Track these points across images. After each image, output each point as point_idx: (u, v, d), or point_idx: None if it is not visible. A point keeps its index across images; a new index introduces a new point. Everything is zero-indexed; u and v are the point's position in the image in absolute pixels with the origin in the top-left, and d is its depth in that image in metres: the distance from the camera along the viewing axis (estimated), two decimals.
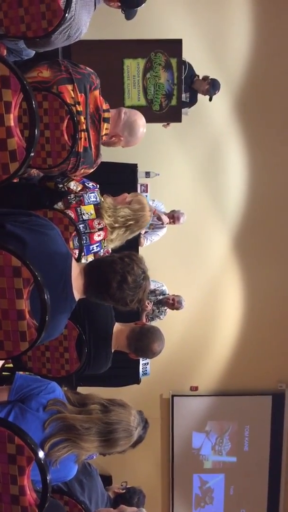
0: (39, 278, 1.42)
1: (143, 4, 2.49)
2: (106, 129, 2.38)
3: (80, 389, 2.99)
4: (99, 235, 2.48)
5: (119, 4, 2.41)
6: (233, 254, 6.25)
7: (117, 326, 2.57)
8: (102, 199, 2.53)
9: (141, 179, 4.82)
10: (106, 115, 2.33)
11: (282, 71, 5.82)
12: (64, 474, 1.76)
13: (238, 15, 5.70)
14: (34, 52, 2.52)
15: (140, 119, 2.42)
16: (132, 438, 1.83)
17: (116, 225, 2.48)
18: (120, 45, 4.30)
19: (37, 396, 1.66)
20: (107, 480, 5.64)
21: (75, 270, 1.72)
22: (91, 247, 2.47)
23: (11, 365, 2.76)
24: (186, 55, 4.52)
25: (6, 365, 2.82)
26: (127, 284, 1.71)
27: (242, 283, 6.32)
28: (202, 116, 5.61)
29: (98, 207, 2.48)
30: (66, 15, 2.03)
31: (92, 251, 2.49)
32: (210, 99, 4.94)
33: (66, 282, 1.67)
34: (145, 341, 2.50)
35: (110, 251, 2.59)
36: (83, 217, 2.42)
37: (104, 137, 2.41)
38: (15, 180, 2.64)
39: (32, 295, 1.46)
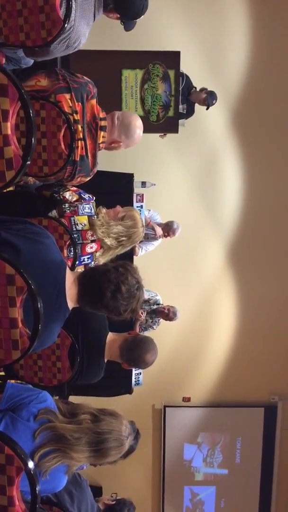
0: (32, 287, 1.42)
1: (142, 16, 2.51)
2: (103, 137, 2.39)
3: (72, 399, 2.98)
4: (91, 247, 2.47)
5: (118, 15, 2.43)
6: (227, 266, 6.26)
7: (110, 336, 2.56)
8: (97, 211, 2.53)
9: (137, 189, 4.83)
10: (103, 123, 2.34)
11: (279, 83, 5.88)
12: (53, 485, 1.73)
13: (236, 28, 5.77)
14: (32, 60, 2.54)
15: (135, 120, 2.43)
16: (123, 448, 1.81)
17: (109, 241, 2.48)
18: (118, 55, 4.33)
19: (28, 406, 1.64)
20: (97, 491, 5.59)
21: (69, 279, 1.71)
22: (82, 258, 2.46)
23: (2, 373, 2.74)
24: (184, 67, 4.56)
25: None
26: (121, 294, 1.71)
27: (235, 294, 6.32)
28: (199, 128, 5.65)
29: (92, 219, 2.49)
30: (66, 25, 2.05)
31: (83, 263, 2.48)
32: (207, 108, 4.97)
33: (60, 291, 1.66)
34: (138, 352, 2.49)
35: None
36: (77, 227, 2.42)
37: (101, 145, 2.42)
38: (11, 188, 2.65)
39: (26, 303, 1.46)
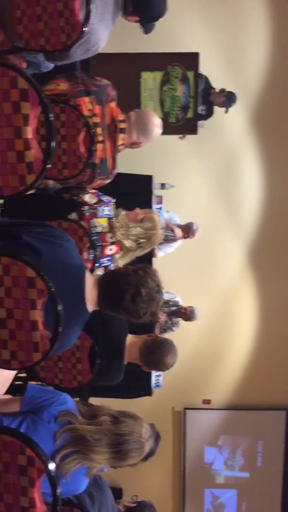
0: (53, 289, 1.43)
1: (161, 18, 2.51)
2: (122, 139, 2.39)
3: (92, 400, 2.99)
4: (110, 250, 2.48)
5: (138, 18, 2.43)
6: (247, 267, 6.21)
7: (129, 338, 2.56)
8: (116, 214, 2.53)
9: (156, 191, 4.83)
10: (122, 126, 2.35)
11: None
12: (74, 487, 1.74)
13: (255, 27, 5.73)
14: (52, 64, 2.56)
15: (153, 119, 2.42)
16: (144, 450, 1.81)
17: (128, 243, 2.49)
18: (137, 58, 4.35)
19: (49, 408, 1.65)
20: (117, 493, 5.60)
21: (89, 282, 1.72)
22: (101, 260, 2.47)
23: (24, 375, 2.77)
24: (203, 68, 4.55)
25: (19, 375, 2.83)
26: (140, 297, 1.71)
27: (256, 296, 6.27)
28: (218, 129, 5.62)
29: (111, 221, 2.49)
30: (85, 29, 2.06)
31: (102, 265, 2.49)
32: (226, 111, 4.95)
33: (80, 293, 1.67)
34: (158, 354, 2.49)
35: (121, 266, 2.60)
36: (96, 229, 2.43)
37: (120, 148, 2.43)
38: (31, 191, 2.68)
39: (46, 306, 1.47)
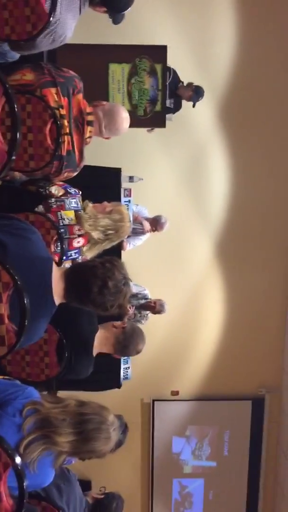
0: (18, 282, 1.42)
1: (129, 8, 2.49)
2: (90, 132, 2.38)
3: (61, 394, 2.98)
4: (78, 242, 2.47)
5: (105, 9, 2.41)
6: (215, 259, 6.28)
7: (101, 332, 2.56)
8: (83, 206, 2.53)
9: (125, 184, 4.82)
10: (89, 118, 2.33)
11: (266, 78, 5.89)
12: (41, 480, 1.74)
13: (223, 22, 5.76)
14: (18, 55, 2.51)
15: (121, 112, 2.42)
16: (109, 436, 1.80)
17: (96, 234, 2.49)
18: (105, 49, 4.31)
19: (14, 401, 1.64)
20: (86, 485, 5.61)
21: (56, 275, 1.71)
22: (69, 253, 2.46)
23: None
24: (171, 62, 4.55)
25: None
26: (107, 289, 1.71)
27: (223, 288, 6.35)
28: (186, 122, 5.64)
29: (78, 213, 2.48)
30: (51, 18, 2.03)
31: (70, 257, 2.48)
32: (194, 106, 4.98)
33: (47, 286, 1.66)
34: (131, 347, 2.54)
35: (89, 258, 2.59)
36: (64, 221, 2.42)
37: (88, 140, 2.41)
38: None
39: (12, 299, 1.45)
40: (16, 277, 1.41)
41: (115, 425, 1.83)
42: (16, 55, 2.54)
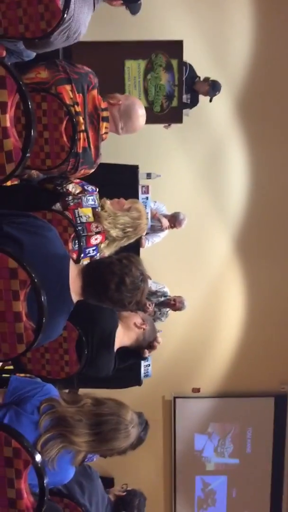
0: (35, 280, 1.41)
1: None
2: (105, 128, 2.37)
3: (82, 391, 2.99)
4: (96, 239, 2.47)
5: (121, 1, 2.39)
6: (234, 256, 6.23)
7: (120, 330, 2.56)
8: (101, 204, 2.52)
9: (142, 181, 4.80)
10: (104, 114, 2.31)
11: (284, 71, 5.81)
12: (60, 477, 1.74)
13: (239, 16, 5.69)
14: (34, 53, 2.52)
15: (138, 109, 2.39)
16: (128, 434, 1.80)
17: (115, 231, 2.48)
18: (121, 46, 4.30)
19: (32, 399, 1.64)
20: (109, 482, 5.63)
21: (73, 272, 1.70)
22: (87, 250, 2.46)
23: (11, 367, 2.76)
24: (187, 57, 4.52)
25: (6, 367, 2.82)
26: (125, 286, 1.70)
27: (243, 284, 6.30)
28: (203, 117, 5.60)
29: (96, 211, 2.48)
30: (65, 15, 2.02)
31: (88, 255, 2.48)
32: (210, 100, 4.94)
33: (64, 283, 1.66)
34: (146, 345, 2.53)
35: (107, 255, 2.59)
36: (81, 219, 2.41)
37: (104, 136, 2.40)
38: (15, 181, 2.65)
39: (30, 297, 1.45)
40: (33, 275, 1.41)
41: (134, 423, 1.81)
42: (32, 54, 2.55)
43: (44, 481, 1.40)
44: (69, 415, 1.64)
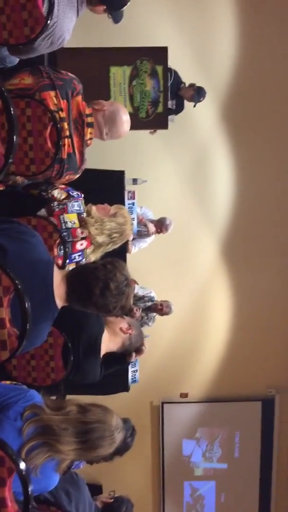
0: (19, 286, 1.41)
1: (128, 3, 2.47)
2: (90, 133, 2.37)
3: (68, 398, 2.97)
4: (81, 244, 2.47)
5: (104, 7, 2.39)
6: (221, 260, 6.26)
7: (106, 335, 2.55)
8: (87, 210, 2.53)
9: (128, 186, 4.82)
10: (89, 120, 2.32)
11: (268, 77, 5.87)
12: (45, 484, 1.72)
13: (224, 22, 5.75)
14: (18, 59, 2.51)
15: (122, 115, 2.40)
16: (113, 440, 1.78)
17: (101, 237, 2.49)
18: (106, 52, 4.30)
19: (15, 405, 1.62)
20: (97, 489, 5.59)
21: (57, 278, 1.70)
22: (73, 255, 2.46)
23: None
24: (172, 63, 4.54)
25: None
26: (109, 291, 1.70)
27: (230, 289, 6.33)
28: (189, 123, 5.63)
29: (82, 216, 2.48)
30: (48, 21, 2.03)
31: (73, 260, 2.48)
32: (194, 105, 4.97)
33: (48, 289, 1.65)
34: (132, 349, 2.53)
35: (92, 261, 2.60)
36: (66, 225, 2.42)
37: (89, 142, 2.41)
38: (0, 187, 2.64)
39: (13, 303, 1.45)
40: (17, 281, 1.41)
41: (119, 428, 1.81)
42: (15, 60, 2.54)
43: (29, 489, 1.39)
44: (54, 424, 1.62)
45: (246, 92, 5.87)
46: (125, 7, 2.43)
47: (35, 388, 1.92)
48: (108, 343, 2.55)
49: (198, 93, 4.86)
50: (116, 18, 2.51)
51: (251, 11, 5.73)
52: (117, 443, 1.79)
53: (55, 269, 1.71)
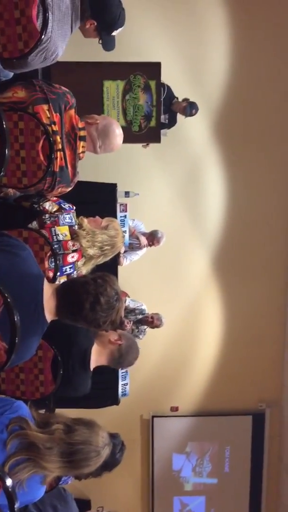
0: (9, 300, 1.40)
1: (120, 29, 2.51)
2: (82, 147, 2.38)
3: (58, 411, 2.94)
4: (72, 257, 2.46)
5: (95, 25, 2.40)
6: (212, 273, 6.27)
7: (95, 348, 2.54)
8: (79, 222, 2.53)
9: (121, 199, 4.83)
10: (82, 133, 2.33)
11: (260, 91, 5.95)
12: (31, 496, 1.69)
13: (216, 38, 5.83)
14: (12, 73, 2.53)
15: (115, 129, 2.42)
16: (99, 459, 1.77)
17: (92, 250, 2.49)
18: (100, 67, 4.35)
19: (1, 416, 1.60)
20: (85, 505, 5.52)
21: (48, 291, 1.69)
22: (64, 268, 2.45)
23: None
24: (165, 78, 4.60)
25: None
26: (100, 306, 1.69)
27: (221, 302, 6.33)
28: (181, 137, 5.68)
29: (73, 229, 2.48)
30: (43, 36, 2.05)
31: (65, 273, 2.46)
32: (185, 116, 5.01)
33: (38, 303, 1.64)
34: (125, 363, 2.55)
35: (84, 273, 2.59)
36: (58, 237, 2.41)
37: (81, 155, 2.42)
38: None
39: (2, 316, 1.44)
40: (6, 294, 1.40)
41: (106, 444, 1.79)
42: (9, 74, 2.55)
43: (15, 506, 1.37)
44: (39, 442, 1.60)
45: (238, 106, 5.94)
46: (117, 32, 2.45)
47: (24, 402, 1.90)
48: (98, 356, 2.53)
49: (190, 105, 4.92)
50: (107, 45, 2.53)
51: (244, 26, 5.81)
52: (103, 459, 1.77)
53: (45, 283, 1.70)
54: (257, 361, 6.37)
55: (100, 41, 2.49)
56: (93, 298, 1.69)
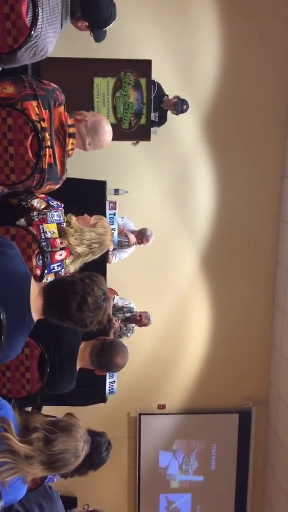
0: None
1: (111, 25, 2.50)
2: (72, 144, 2.37)
3: (45, 409, 2.94)
4: (60, 255, 2.44)
5: (87, 24, 2.41)
6: (200, 272, 6.29)
7: (82, 345, 2.54)
8: (67, 220, 2.51)
9: (110, 196, 4.82)
10: (71, 130, 2.32)
11: (250, 90, 5.96)
12: (13, 496, 1.69)
13: (207, 36, 5.83)
14: (0, 69, 2.50)
15: (104, 125, 2.41)
16: (79, 459, 1.78)
17: (81, 248, 2.47)
18: (90, 63, 4.32)
19: None
20: (72, 502, 5.52)
21: (34, 291, 1.68)
22: (52, 266, 2.43)
23: None
24: (156, 75, 4.58)
25: None
26: (87, 305, 1.69)
27: (209, 301, 6.36)
28: (171, 135, 5.68)
29: (61, 226, 2.46)
30: (32, 32, 2.03)
31: (52, 271, 2.45)
32: (177, 113, 5.00)
33: (24, 302, 1.63)
34: (108, 356, 2.49)
35: (72, 271, 2.57)
36: (46, 235, 2.39)
37: (70, 152, 2.40)
38: None
39: None
40: None
41: (84, 445, 1.80)
42: None
43: (0, 505, 1.37)
44: (21, 450, 1.61)
45: (229, 105, 5.95)
46: (108, 27, 2.45)
47: (10, 400, 1.89)
48: (81, 353, 2.52)
49: (181, 102, 4.92)
50: (98, 37, 2.53)
51: (235, 25, 5.82)
52: (82, 458, 1.78)
53: (33, 282, 1.69)
54: (244, 360, 6.41)
55: (91, 34, 2.48)
56: (80, 298, 1.68)
